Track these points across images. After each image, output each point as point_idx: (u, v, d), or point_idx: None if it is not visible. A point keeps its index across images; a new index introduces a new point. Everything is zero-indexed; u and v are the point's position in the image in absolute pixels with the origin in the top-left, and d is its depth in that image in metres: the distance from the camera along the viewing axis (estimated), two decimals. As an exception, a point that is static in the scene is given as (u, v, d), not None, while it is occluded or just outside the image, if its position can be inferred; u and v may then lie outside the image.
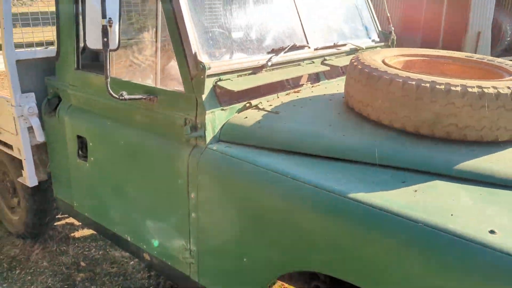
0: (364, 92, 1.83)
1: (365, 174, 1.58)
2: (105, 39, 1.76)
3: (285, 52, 2.21)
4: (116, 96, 1.88)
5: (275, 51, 2.19)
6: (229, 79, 1.93)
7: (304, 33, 2.43)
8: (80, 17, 2.36)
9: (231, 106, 1.94)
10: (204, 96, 1.82)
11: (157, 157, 2.04)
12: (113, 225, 2.47)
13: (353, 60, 1.98)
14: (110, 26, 1.78)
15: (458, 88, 1.62)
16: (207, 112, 1.82)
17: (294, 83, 2.35)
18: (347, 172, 1.60)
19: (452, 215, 1.31)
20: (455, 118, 1.64)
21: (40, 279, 3.17)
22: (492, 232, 1.23)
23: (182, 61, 1.86)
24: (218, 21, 2.06)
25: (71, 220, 3.94)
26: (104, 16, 1.74)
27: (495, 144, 1.67)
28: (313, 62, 2.42)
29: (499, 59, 2.13)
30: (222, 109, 1.90)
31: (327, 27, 2.68)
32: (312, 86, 2.38)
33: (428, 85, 1.65)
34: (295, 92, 2.25)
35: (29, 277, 3.20)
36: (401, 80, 1.70)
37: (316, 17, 2.57)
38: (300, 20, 2.42)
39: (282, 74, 2.16)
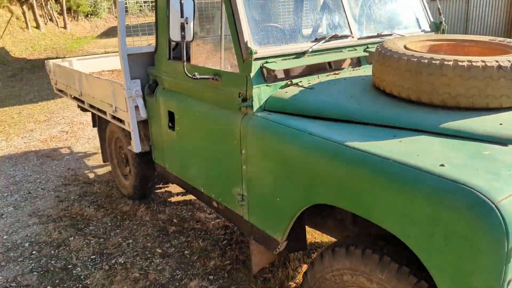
0: (381, 70, 2.23)
1: (367, 131, 2.00)
2: (183, 33, 2.41)
3: (326, 41, 2.67)
4: (190, 76, 2.53)
5: (318, 40, 2.67)
6: (274, 61, 2.47)
7: (349, 24, 2.85)
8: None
9: (275, 83, 2.47)
10: (252, 75, 2.38)
11: (220, 124, 2.65)
12: (192, 180, 3.16)
13: (378, 45, 2.39)
14: (187, 23, 2.43)
15: (450, 63, 1.96)
16: (254, 87, 2.38)
17: (336, 67, 2.80)
18: (355, 130, 2.04)
19: (417, 155, 1.70)
20: (448, 87, 1.98)
21: (142, 229, 4.00)
22: (441, 165, 1.60)
23: (237, 48, 2.44)
24: (268, 15, 2.60)
25: (169, 188, 4.77)
26: (182, 16, 2.39)
27: (484, 110, 1.98)
28: (355, 50, 2.84)
29: (491, 37, 2.40)
30: (267, 85, 2.44)
31: (374, 18, 3.06)
32: (353, 70, 2.80)
33: (426, 61, 2.01)
34: (335, 74, 2.70)
35: (135, 227, 4.05)
36: (406, 58, 2.08)
37: (362, 9, 2.98)
38: (345, 12, 2.85)
39: (322, 58, 2.63)
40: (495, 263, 1.41)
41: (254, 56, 2.36)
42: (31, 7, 20.16)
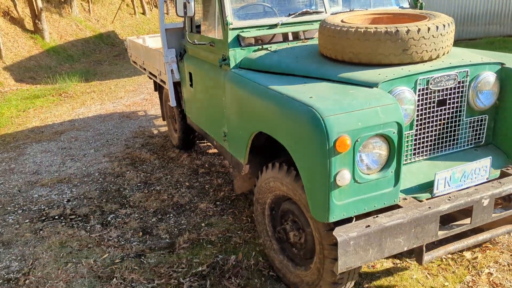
0: (320, 38, 2.93)
1: (291, 80, 2.75)
2: (185, 10, 3.32)
3: (297, 16, 3.40)
4: (191, 42, 3.46)
5: (290, 15, 3.41)
6: (248, 31, 3.27)
7: (324, 1, 3.53)
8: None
9: (249, 47, 3.28)
10: (229, 41, 3.22)
11: (213, 78, 3.54)
12: (203, 125, 4.11)
13: (322, 20, 3.07)
14: (189, 2, 3.34)
15: (352, 29, 2.62)
16: (230, 50, 3.22)
17: (307, 37, 3.50)
18: (284, 80, 2.79)
19: (304, 92, 2.44)
20: (351, 48, 2.65)
21: (180, 169, 5.07)
22: (310, 97, 2.33)
23: (221, 21, 3.29)
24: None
25: (208, 144, 5.80)
26: (184, -3, 3.30)
27: (378, 65, 2.61)
28: (326, 23, 3.51)
29: (427, 11, 2.95)
30: (242, 49, 3.26)
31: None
32: (321, 39, 3.49)
33: (339, 28, 2.69)
34: (303, 42, 3.42)
35: (175, 168, 5.13)
36: (329, 27, 2.77)
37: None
38: (321, -7, 3.53)
39: (287, 29, 3.36)
40: (322, 157, 2.14)
41: (230, 26, 3.20)
42: (139, -5, 22.54)
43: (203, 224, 3.81)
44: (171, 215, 4.03)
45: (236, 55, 3.26)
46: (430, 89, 2.57)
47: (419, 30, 2.53)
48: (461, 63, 2.62)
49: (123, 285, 3.06)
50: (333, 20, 2.89)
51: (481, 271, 2.99)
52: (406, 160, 2.66)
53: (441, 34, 2.58)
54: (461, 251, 3.20)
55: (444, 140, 2.75)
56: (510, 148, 2.80)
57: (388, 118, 2.21)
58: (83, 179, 5.00)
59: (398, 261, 3.15)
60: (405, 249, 2.32)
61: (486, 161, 2.59)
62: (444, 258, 3.15)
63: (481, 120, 2.81)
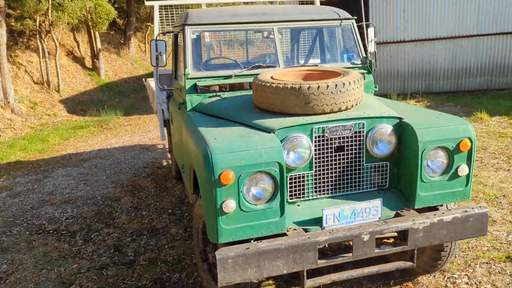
0: (253, 90, 3.43)
1: (220, 123, 3.26)
2: (157, 61, 3.98)
3: (250, 69, 3.93)
4: (161, 87, 4.10)
5: (245, 68, 3.96)
6: (205, 80, 3.85)
7: (277, 57, 4.05)
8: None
9: (204, 94, 3.85)
10: (187, 88, 3.81)
11: (178, 118, 4.12)
12: (177, 158, 4.68)
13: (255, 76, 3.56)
14: (161, 55, 3.99)
15: (268, 84, 3.11)
16: (187, 95, 3.80)
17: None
18: (219, 123, 3.30)
19: (216, 134, 2.93)
20: (268, 99, 3.13)
21: (170, 198, 5.63)
22: (215, 138, 2.83)
23: (183, 72, 3.90)
24: (209, 52, 4.01)
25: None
26: (157, 51, 3.96)
27: (286, 114, 3.06)
28: (278, 75, 4.02)
29: (345, 70, 3.37)
30: (198, 95, 3.83)
31: (304, 53, 4.19)
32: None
33: (261, 83, 3.19)
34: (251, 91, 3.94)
35: (166, 196, 5.70)
36: (257, 81, 3.27)
37: (292, 46, 4.15)
38: (276, 48, 4.06)
39: (244, 80, 3.89)
40: (210, 187, 2.61)
41: (188, 76, 3.80)
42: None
43: (166, 246, 4.31)
44: (145, 236, 4.58)
45: (192, 100, 3.83)
46: (326, 137, 2.99)
47: (318, 87, 2.97)
48: (357, 116, 3.02)
49: (79, 290, 3.62)
50: (262, 76, 3.40)
51: (389, 306, 3.24)
52: (308, 196, 3.05)
53: (340, 91, 3.01)
54: (374, 284, 3.46)
55: (347, 181, 3.12)
56: (408, 193, 3.10)
57: (269, 159, 2.66)
58: (86, 201, 5.70)
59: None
60: (285, 272, 2.68)
61: (377, 202, 2.93)
62: (361, 292, 3.42)
63: (383, 166, 3.16)
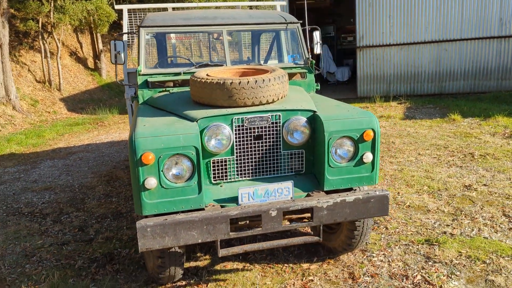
0: (190, 86, 3.84)
1: (162, 114, 3.69)
2: (115, 59, 4.43)
3: (198, 67, 4.37)
4: (119, 82, 4.55)
5: (194, 66, 4.39)
6: (156, 77, 4.29)
7: (225, 56, 4.48)
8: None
9: (155, 89, 4.29)
10: (139, 83, 4.25)
11: (134, 111, 4.57)
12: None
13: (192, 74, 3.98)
14: (119, 53, 4.45)
15: (199, 80, 3.54)
16: (139, 90, 4.24)
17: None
18: (159, 113, 3.74)
19: (148, 122, 3.37)
20: (199, 93, 3.56)
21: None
22: (144, 125, 3.26)
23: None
24: (162, 52, 4.45)
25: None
26: (115, 50, 4.42)
27: (213, 106, 3.48)
28: (224, 73, 4.45)
29: (270, 66, 3.79)
30: (149, 90, 4.27)
31: (245, 54, 4.61)
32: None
33: (194, 78, 3.62)
34: (201, 87, 4.36)
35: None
36: (192, 77, 3.70)
37: (239, 47, 4.58)
38: (224, 49, 4.49)
39: (184, 77, 4.32)
40: (134, 167, 3.04)
41: (140, 73, 4.24)
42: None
43: (125, 227, 4.76)
44: (108, 219, 5.03)
45: (144, 94, 4.28)
46: (246, 126, 3.41)
47: (240, 82, 3.39)
48: (273, 108, 3.44)
49: (38, 261, 4.07)
50: (198, 73, 3.81)
51: (305, 278, 3.64)
52: (230, 178, 3.47)
53: (259, 86, 3.42)
54: (299, 261, 3.86)
55: (266, 166, 3.53)
56: (319, 177, 3.50)
57: (187, 143, 3.09)
58: (64, 189, 6.19)
59: (244, 264, 3.87)
60: (199, 241, 3.09)
61: (288, 184, 3.33)
62: (284, 265, 3.82)
63: (299, 154, 3.56)
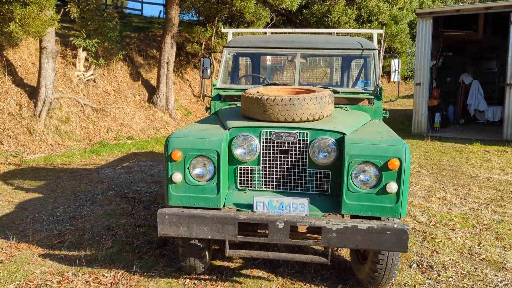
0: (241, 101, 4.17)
1: (215, 122, 4.13)
2: (202, 74, 5.07)
3: (267, 85, 4.70)
4: (203, 95, 5.16)
5: (264, 84, 4.74)
6: (228, 91, 4.76)
7: (294, 77, 4.72)
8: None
9: (226, 102, 4.75)
10: (212, 95, 4.78)
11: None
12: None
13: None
14: (206, 69, 5.08)
15: (246, 95, 3.87)
16: (212, 101, 4.77)
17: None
18: (213, 121, 4.18)
19: (194, 128, 3.83)
20: (244, 106, 3.88)
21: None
22: (185, 128, 3.73)
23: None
24: (236, 70, 4.91)
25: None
26: (203, 66, 5.06)
27: (252, 119, 3.77)
28: (291, 93, 4.69)
29: (319, 88, 3.89)
30: (220, 102, 4.76)
31: (320, 76, 4.76)
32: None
33: (244, 95, 3.97)
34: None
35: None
36: (244, 94, 4.05)
37: (311, 70, 4.77)
38: (295, 70, 4.73)
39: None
40: (165, 162, 3.52)
41: (215, 87, 4.77)
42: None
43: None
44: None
45: (216, 105, 4.79)
46: (273, 140, 3.61)
47: (274, 99, 3.63)
48: (301, 126, 3.56)
49: (113, 235, 4.86)
50: (250, 90, 4.10)
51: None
52: (255, 187, 3.70)
53: (293, 104, 3.60)
54: (322, 284, 3.82)
55: (291, 181, 3.65)
56: (340, 200, 3.47)
57: (210, 146, 3.45)
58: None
59: (269, 274, 4.00)
60: (209, 237, 3.39)
61: (303, 200, 3.43)
62: (306, 284, 3.84)
63: (325, 174, 3.60)
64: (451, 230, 5.14)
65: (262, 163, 3.67)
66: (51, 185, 6.92)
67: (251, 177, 3.70)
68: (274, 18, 17.10)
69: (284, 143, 3.62)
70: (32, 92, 11.57)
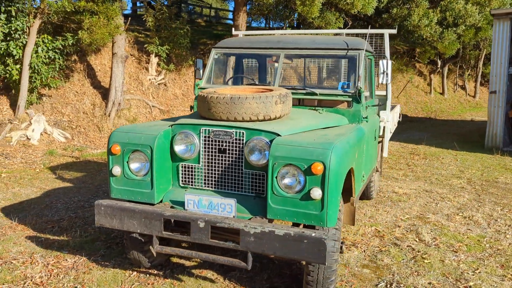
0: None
1: (174, 120, 4.18)
2: (196, 75, 5.15)
3: (246, 85, 4.62)
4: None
5: (246, 84, 4.67)
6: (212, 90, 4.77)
7: (276, 78, 4.57)
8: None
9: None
10: (195, 95, 4.82)
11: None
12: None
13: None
14: (198, 70, 5.16)
15: (198, 94, 3.87)
16: (194, 101, 4.82)
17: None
18: (174, 120, 4.23)
19: (151, 125, 3.92)
20: (198, 106, 3.88)
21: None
22: (134, 125, 3.83)
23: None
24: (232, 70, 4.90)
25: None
26: (196, 66, 5.14)
27: (200, 117, 3.74)
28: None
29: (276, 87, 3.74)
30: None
31: (310, 78, 4.56)
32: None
33: (200, 94, 3.96)
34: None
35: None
36: (199, 94, 4.04)
37: (291, 71, 4.60)
38: (277, 71, 4.58)
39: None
40: (107, 155, 3.65)
41: (198, 86, 4.81)
42: (441, 76, 23.26)
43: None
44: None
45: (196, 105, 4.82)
46: (211, 138, 3.55)
47: (217, 97, 3.58)
48: (237, 125, 3.45)
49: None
50: (208, 90, 3.96)
51: None
52: (196, 185, 3.66)
53: (234, 103, 3.52)
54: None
55: (229, 181, 3.55)
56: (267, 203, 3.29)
57: (144, 142, 3.52)
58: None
59: (219, 276, 3.92)
60: (139, 231, 3.45)
61: (231, 201, 3.33)
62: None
63: (260, 175, 3.44)
64: (452, 252, 4.57)
65: (202, 161, 3.63)
66: (86, 177, 7.50)
67: (192, 175, 3.68)
68: (350, 23, 16.61)
69: (222, 142, 3.55)
70: (105, 94, 12.65)
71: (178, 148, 3.63)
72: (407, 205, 6.18)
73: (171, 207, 3.56)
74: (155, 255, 3.79)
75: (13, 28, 9.90)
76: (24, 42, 10.15)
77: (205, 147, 3.61)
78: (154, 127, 3.68)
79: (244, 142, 3.46)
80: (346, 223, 4.34)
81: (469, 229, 5.26)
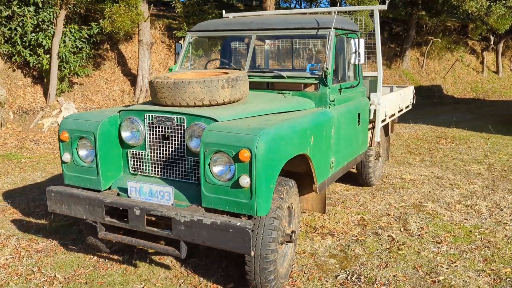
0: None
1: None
2: (175, 59, 5.10)
3: (217, 69, 4.49)
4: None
5: (216, 67, 4.54)
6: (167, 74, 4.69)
7: (246, 61, 4.40)
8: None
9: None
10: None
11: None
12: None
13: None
14: (178, 54, 5.10)
15: (151, 80, 3.80)
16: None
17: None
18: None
19: (103, 112, 3.91)
20: (155, 94, 3.80)
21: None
22: (86, 112, 3.84)
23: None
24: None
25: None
26: (175, 51, 5.07)
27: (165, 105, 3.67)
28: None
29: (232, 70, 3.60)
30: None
31: (281, 60, 4.35)
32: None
33: (153, 80, 3.88)
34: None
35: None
36: (151, 80, 3.95)
37: (260, 54, 4.41)
38: (247, 54, 4.40)
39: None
40: (58, 142, 3.69)
41: (169, 69, 4.74)
42: (496, 54, 21.65)
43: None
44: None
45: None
46: (155, 124, 3.48)
47: (161, 82, 3.50)
48: (178, 111, 3.35)
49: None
50: (162, 75, 3.95)
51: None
52: (144, 172, 3.63)
53: (177, 88, 3.43)
54: (218, 281, 3.57)
55: (174, 169, 3.48)
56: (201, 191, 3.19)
57: (89, 128, 3.51)
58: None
59: (177, 264, 3.89)
60: (84, 217, 3.48)
61: (168, 189, 3.27)
62: (204, 280, 3.64)
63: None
64: (435, 243, 4.25)
65: (148, 148, 3.58)
66: (97, 162, 7.72)
67: (140, 162, 3.65)
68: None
69: (164, 128, 3.47)
70: (134, 81, 12.94)
71: (124, 135, 3.60)
72: (409, 192, 5.82)
73: (118, 194, 3.55)
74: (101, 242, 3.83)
75: (40, 19, 10.30)
76: (52, 33, 10.54)
77: (149, 134, 3.56)
78: (102, 114, 3.66)
79: (185, 128, 3.37)
80: (316, 211, 4.17)
81: (466, 219, 4.86)
